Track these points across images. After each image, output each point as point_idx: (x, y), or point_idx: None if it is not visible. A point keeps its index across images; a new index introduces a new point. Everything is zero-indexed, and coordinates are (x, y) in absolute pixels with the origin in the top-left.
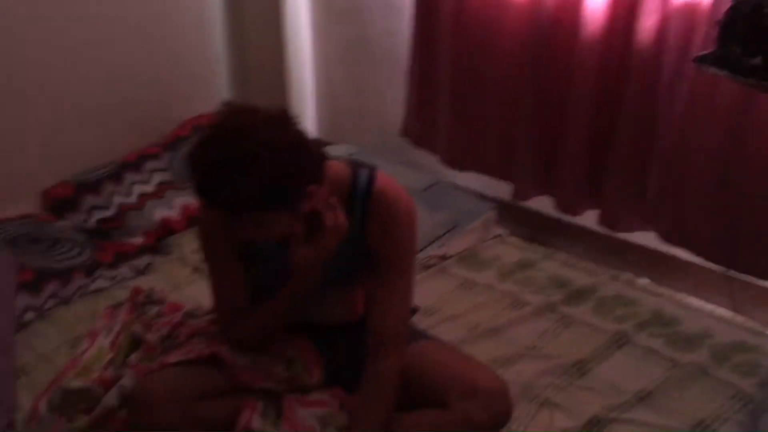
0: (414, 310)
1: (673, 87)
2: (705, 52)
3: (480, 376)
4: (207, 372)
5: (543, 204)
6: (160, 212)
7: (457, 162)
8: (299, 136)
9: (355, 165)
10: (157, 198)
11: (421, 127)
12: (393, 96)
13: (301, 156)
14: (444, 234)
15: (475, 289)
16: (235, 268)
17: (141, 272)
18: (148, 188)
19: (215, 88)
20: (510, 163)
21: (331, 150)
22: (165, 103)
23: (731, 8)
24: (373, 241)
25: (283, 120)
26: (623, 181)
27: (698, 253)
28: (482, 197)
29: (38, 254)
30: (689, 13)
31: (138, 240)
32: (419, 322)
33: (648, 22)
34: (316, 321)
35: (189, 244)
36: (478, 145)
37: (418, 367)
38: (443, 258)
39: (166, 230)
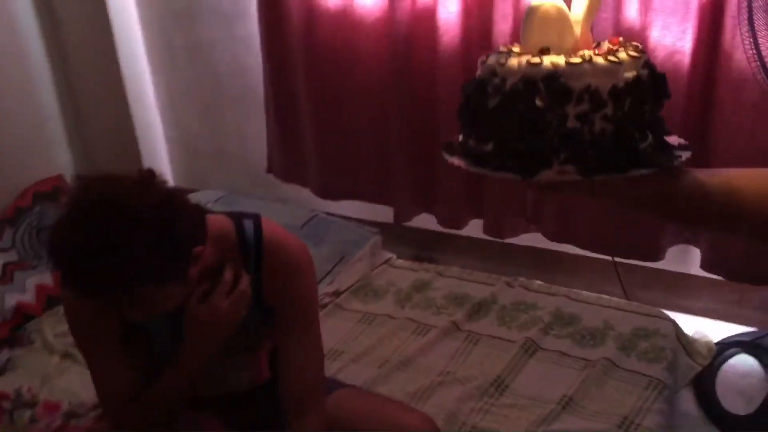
0: None
1: None
2: (450, 141)
3: (407, 420)
4: None
5: (426, 221)
6: (11, 298)
7: (331, 192)
8: (171, 197)
9: (236, 216)
10: (5, 283)
11: (288, 161)
12: (253, 132)
13: (178, 218)
14: (332, 269)
15: (375, 322)
16: (118, 349)
17: (1, 371)
18: None
19: (52, 149)
20: (387, 187)
21: (195, 197)
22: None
23: (460, 91)
24: (271, 295)
25: (147, 184)
26: (502, 188)
27: (584, 247)
28: (363, 224)
29: None
30: None
31: None
32: (326, 368)
33: (504, 26)
34: (220, 392)
35: (52, 329)
36: (351, 173)
37: (340, 420)
38: (336, 294)
39: (21, 317)
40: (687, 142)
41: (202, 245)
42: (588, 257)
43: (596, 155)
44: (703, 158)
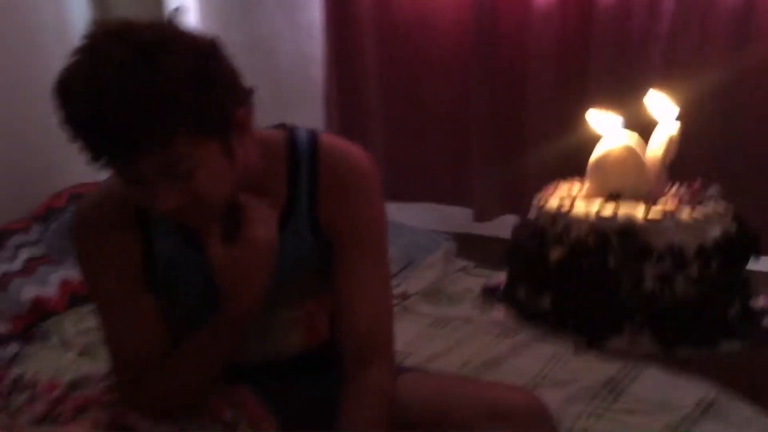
0: None
1: (648, 50)
2: (492, 283)
3: (510, 395)
4: None
5: (504, 228)
6: (30, 291)
7: (399, 193)
8: (209, 37)
9: (289, 127)
10: (25, 275)
11: None
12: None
13: (220, 60)
14: (399, 272)
15: (451, 325)
16: (141, 300)
17: (7, 364)
18: (13, 266)
19: None
20: (466, 183)
21: None
22: (35, 172)
23: (512, 242)
24: (329, 219)
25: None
26: None
27: None
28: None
29: None
30: None
31: (2, 327)
32: None
33: None
34: (261, 358)
35: (73, 326)
36: (423, 170)
37: (420, 397)
38: (404, 297)
39: (40, 312)
40: None
41: (248, 111)
42: None
43: (677, 324)
44: None
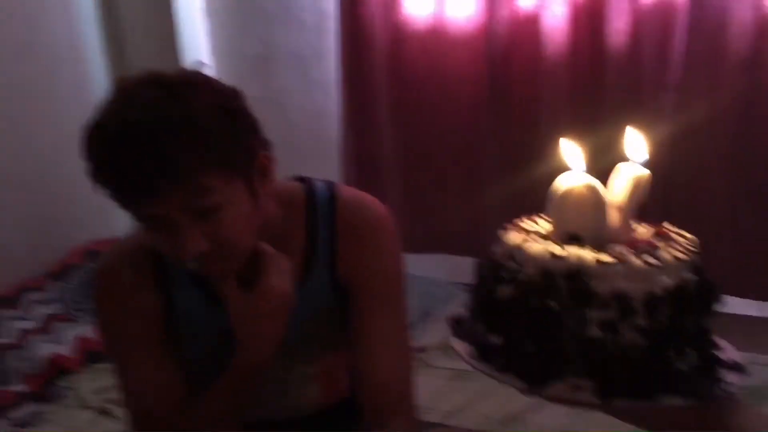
0: None
1: (659, 98)
2: (458, 314)
3: None
4: None
5: None
6: (46, 349)
7: (416, 245)
8: (234, 87)
9: (307, 179)
10: (41, 333)
11: None
12: None
13: (243, 104)
14: (416, 324)
15: (472, 377)
16: (157, 349)
17: (24, 424)
18: (30, 324)
19: (111, 210)
20: (482, 234)
21: None
22: (50, 229)
23: (476, 277)
24: (347, 270)
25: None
26: None
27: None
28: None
29: None
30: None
31: (17, 387)
32: None
33: (618, 23)
34: (281, 413)
35: (89, 385)
36: (440, 220)
37: None
38: (420, 350)
39: (56, 371)
40: (740, 363)
41: (269, 155)
42: None
43: (620, 373)
44: None
